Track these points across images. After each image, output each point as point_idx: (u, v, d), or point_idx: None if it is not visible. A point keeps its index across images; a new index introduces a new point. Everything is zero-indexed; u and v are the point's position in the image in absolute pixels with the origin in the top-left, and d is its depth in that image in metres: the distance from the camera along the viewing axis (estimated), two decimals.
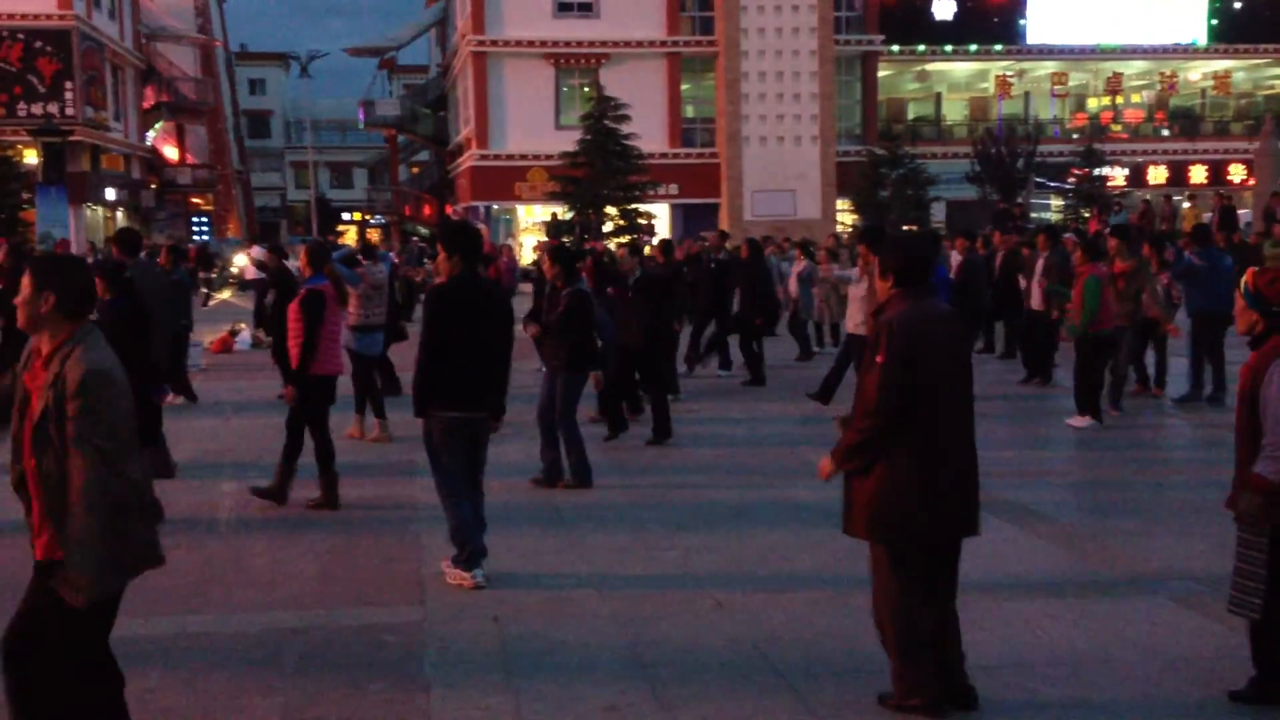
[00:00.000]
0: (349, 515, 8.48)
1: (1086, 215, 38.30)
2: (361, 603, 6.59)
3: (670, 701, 5.10)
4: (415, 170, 66.21)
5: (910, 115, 47.88)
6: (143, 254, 10.05)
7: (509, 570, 7.05)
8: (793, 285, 18.12)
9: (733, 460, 10.51)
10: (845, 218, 42.37)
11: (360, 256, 12.46)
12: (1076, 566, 7.21)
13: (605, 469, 9.78)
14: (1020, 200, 40.05)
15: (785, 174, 41.56)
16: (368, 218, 69.72)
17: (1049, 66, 46.91)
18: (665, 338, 12.09)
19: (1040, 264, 14.34)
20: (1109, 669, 5.46)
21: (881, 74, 45.52)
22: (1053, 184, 42.03)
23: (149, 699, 5.12)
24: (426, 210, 53.73)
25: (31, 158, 38.42)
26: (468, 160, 43.30)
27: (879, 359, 4.72)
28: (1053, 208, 43.22)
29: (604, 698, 5.13)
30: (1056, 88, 47.04)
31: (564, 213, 36.35)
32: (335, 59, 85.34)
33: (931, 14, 45.30)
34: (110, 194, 43.74)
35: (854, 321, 11.96)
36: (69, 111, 40.51)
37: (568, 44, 41.63)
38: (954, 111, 48.68)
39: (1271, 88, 49.88)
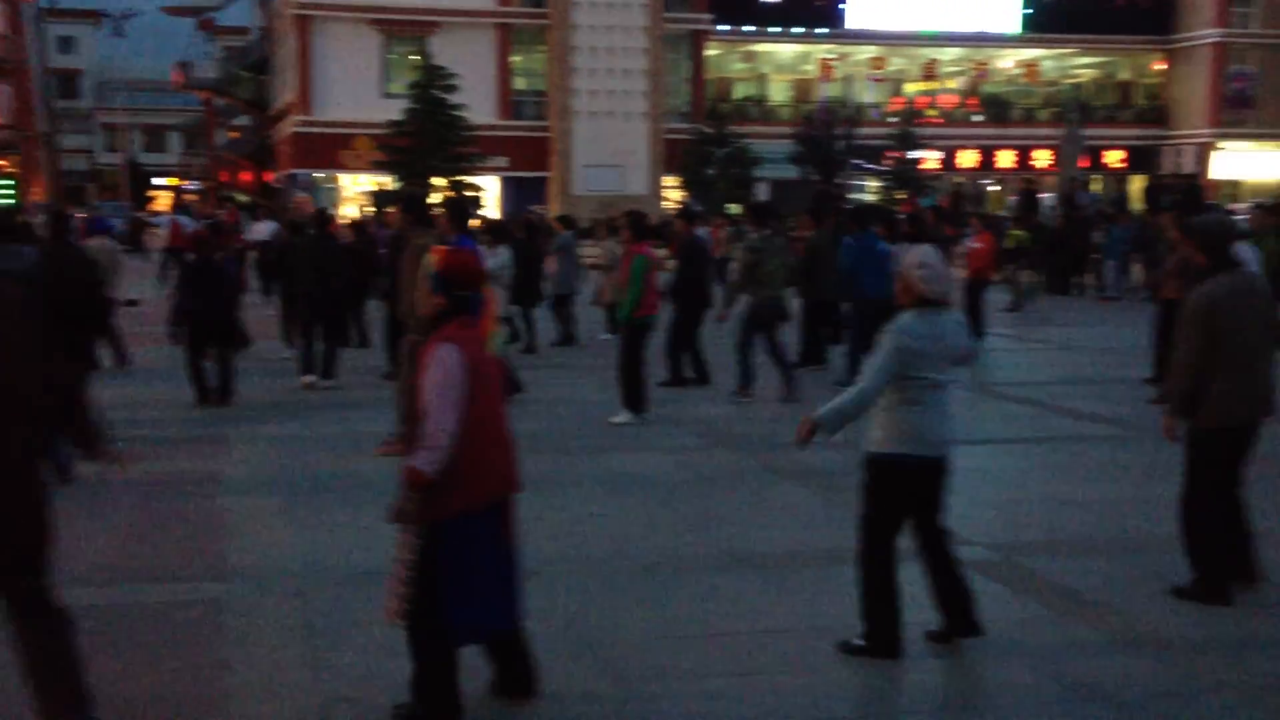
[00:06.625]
0: (150, 491, 8.24)
1: (901, 197, 39.67)
2: (162, 579, 6.45)
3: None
4: (233, 135, 64.19)
5: (737, 95, 48.61)
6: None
7: (316, 547, 7.02)
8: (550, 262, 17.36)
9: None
10: (673, 194, 42.82)
11: None
12: None
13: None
14: (839, 181, 41.20)
15: (615, 150, 41.67)
16: (183, 183, 67.38)
17: (869, 51, 48.20)
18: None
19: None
20: None
21: (710, 53, 46.05)
22: (869, 166, 43.29)
23: None
24: (244, 176, 52.25)
25: None
26: (289, 126, 42.18)
27: None
28: (869, 189, 44.54)
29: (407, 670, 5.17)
30: (875, 72, 48.41)
31: (391, 183, 35.79)
32: (151, 18, 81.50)
33: None
34: None
35: None
36: None
37: (396, 10, 40.90)
38: (779, 93, 49.64)
39: (1077, 77, 52.35)
